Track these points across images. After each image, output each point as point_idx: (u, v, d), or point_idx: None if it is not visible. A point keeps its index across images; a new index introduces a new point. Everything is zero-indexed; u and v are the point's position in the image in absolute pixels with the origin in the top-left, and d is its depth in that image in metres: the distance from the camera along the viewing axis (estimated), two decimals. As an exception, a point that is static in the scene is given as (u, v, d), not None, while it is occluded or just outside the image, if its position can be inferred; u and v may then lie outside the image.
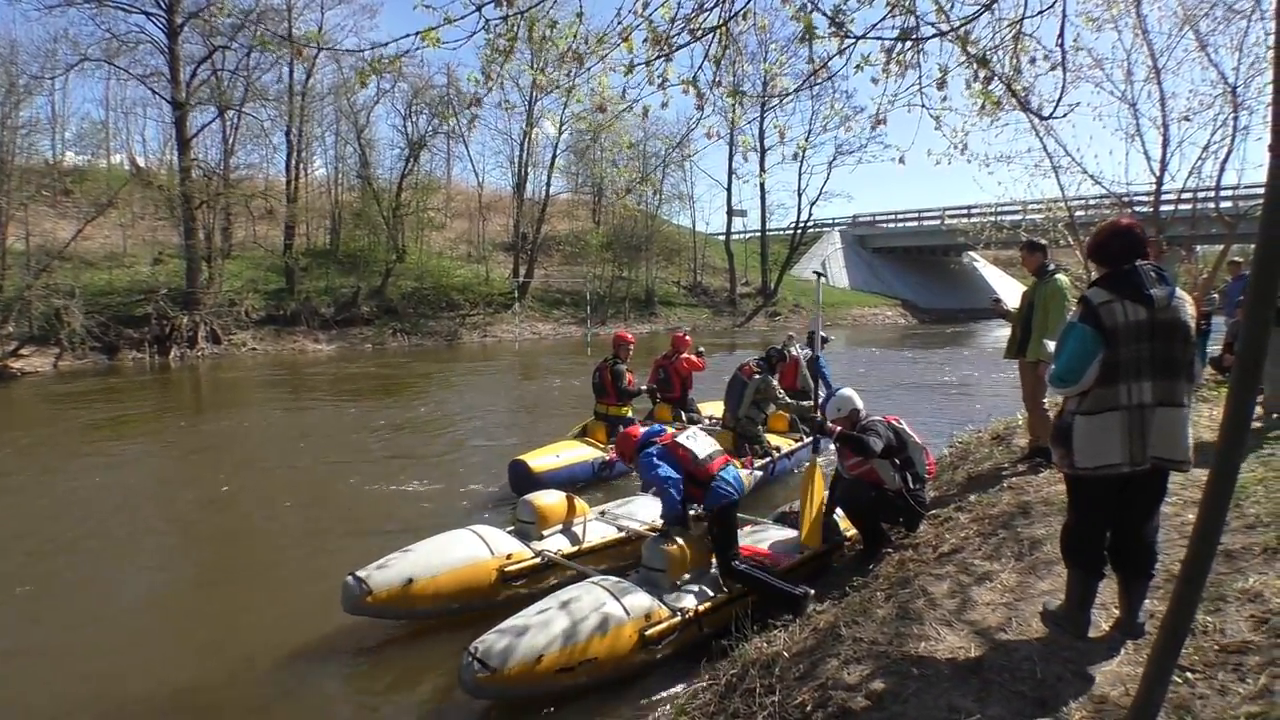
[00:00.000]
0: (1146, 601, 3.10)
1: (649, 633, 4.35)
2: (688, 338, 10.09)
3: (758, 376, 8.35)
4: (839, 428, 5.25)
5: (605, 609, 4.28)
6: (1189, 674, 2.65)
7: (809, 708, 3.08)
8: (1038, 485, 5.24)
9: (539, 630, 4.04)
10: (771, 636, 4.14)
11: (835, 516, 5.61)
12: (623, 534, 5.94)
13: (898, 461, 5.11)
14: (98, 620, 5.44)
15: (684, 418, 9.68)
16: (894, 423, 5.23)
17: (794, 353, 9.58)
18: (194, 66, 24.71)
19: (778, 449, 8.56)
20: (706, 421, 9.49)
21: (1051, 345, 3.31)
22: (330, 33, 29.27)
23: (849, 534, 5.63)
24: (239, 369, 20.98)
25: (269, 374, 20.06)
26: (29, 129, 23.73)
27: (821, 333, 9.16)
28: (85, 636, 5.17)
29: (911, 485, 5.12)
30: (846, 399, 5.42)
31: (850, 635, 3.52)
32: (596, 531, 5.88)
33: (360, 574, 4.70)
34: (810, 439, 6.17)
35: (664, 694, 4.24)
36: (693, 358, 9.74)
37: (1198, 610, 2.51)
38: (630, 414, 8.90)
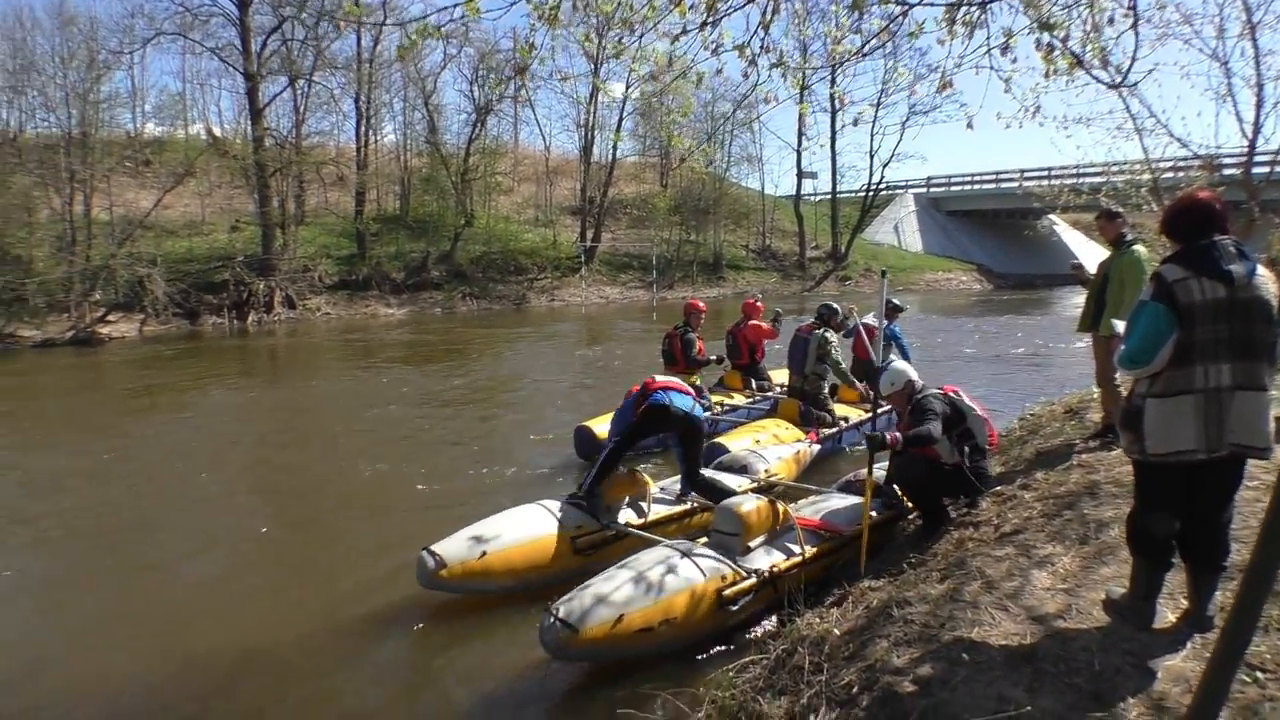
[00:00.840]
0: (1218, 593, 2.93)
1: (726, 593, 4.38)
2: (760, 304, 9.95)
3: (818, 332, 8.23)
4: (899, 441, 4.76)
5: (682, 571, 4.33)
6: (1259, 673, 2.52)
7: (855, 689, 3.04)
8: (1109, 464, 5.03)
9: (619, 591, 4.09)
10: (824, 613, 4.10)
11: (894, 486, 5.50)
12: (687, 505, 5.97)
13: (955, 435, 4.95)
14: (162, 579, 5.68)
15: (754, 385, 9.59)
16: (951, 394, 5.05)
17: (866, 321, 9.29)
18: (264, 37, 25.17)
19: (845, 419, 8.43)
20: (776, 390, 9.38)
21: (1120, 325, 3.12)
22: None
23: (910, 505, 5.50)
24: (314, 333, 21.61)
25: (342, 338, 20.62)
26: (110, 103, 24.63)
27: (895, 300, 8.96)
28: (149, 597, 5.41)
29: (971, 459, 4.96)
30: (900, 373, 5.25)
31: (902, 616, 3.46)
32: (661, 504, 5.91)
33: (435, 548, 4.78)
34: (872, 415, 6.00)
35: (714, 667, 4.15)
36: (760, 324, 9.60)
37: (1268, 604, 2.38)
38: (699, 382, 8.79)
